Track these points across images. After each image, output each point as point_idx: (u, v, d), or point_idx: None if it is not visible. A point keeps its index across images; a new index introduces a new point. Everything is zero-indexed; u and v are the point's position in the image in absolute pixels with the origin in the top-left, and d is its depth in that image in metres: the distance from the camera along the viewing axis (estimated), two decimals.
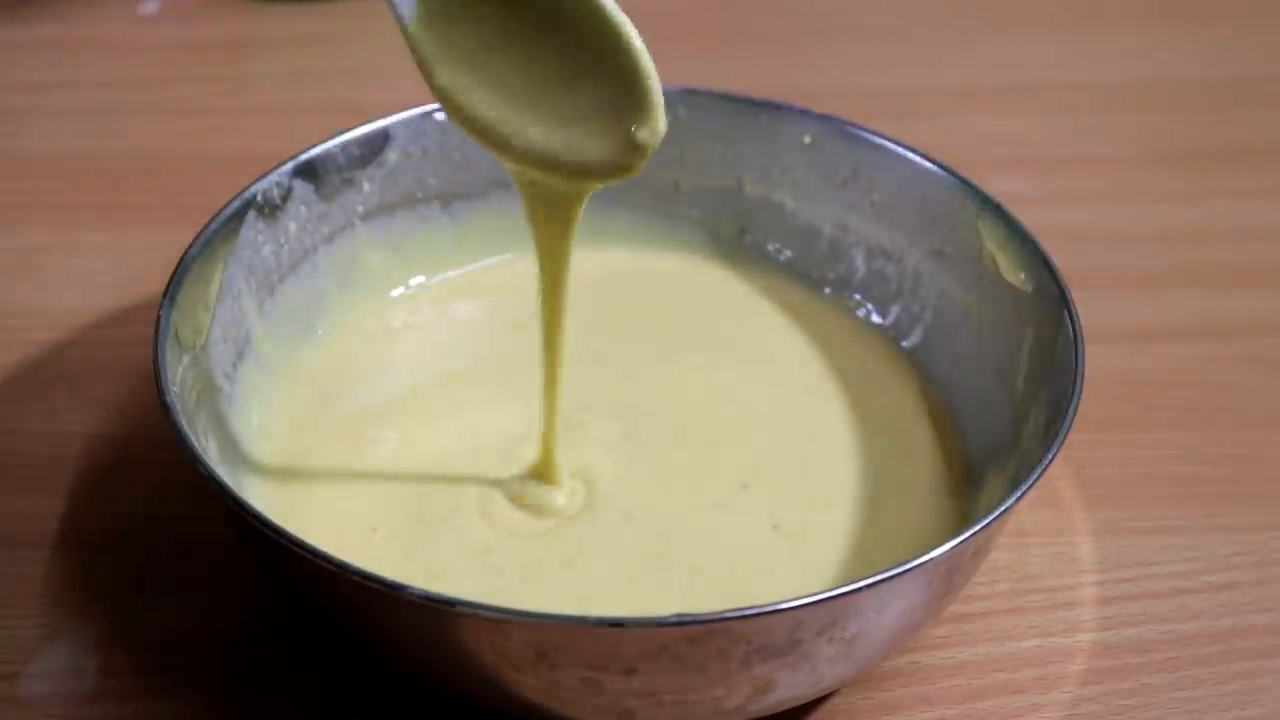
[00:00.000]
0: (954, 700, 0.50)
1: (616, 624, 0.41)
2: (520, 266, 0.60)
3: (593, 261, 0.61)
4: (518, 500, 0.51)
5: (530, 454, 0.52)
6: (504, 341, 0.58)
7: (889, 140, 0.58)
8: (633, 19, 0.43)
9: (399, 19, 0.45)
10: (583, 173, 0.45)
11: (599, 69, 0.44)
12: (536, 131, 0.45)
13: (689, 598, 0.48)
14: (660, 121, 0.44)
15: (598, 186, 0.46)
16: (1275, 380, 0.62)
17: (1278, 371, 0.63)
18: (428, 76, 0.46)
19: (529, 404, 0.53)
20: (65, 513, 0.54)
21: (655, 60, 0.43)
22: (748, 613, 0.41)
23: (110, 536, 0.53)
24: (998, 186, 0.56)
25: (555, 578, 0.49)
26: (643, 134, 0.44)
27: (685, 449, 0.54)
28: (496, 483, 0.52)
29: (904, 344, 0.58)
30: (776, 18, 0.84)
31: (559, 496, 0.51)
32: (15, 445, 0.56)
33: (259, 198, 0.54)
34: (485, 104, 0.45)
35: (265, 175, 0.55)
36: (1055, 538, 0.55)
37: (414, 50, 0.45)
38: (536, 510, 0.51)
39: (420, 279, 0.60)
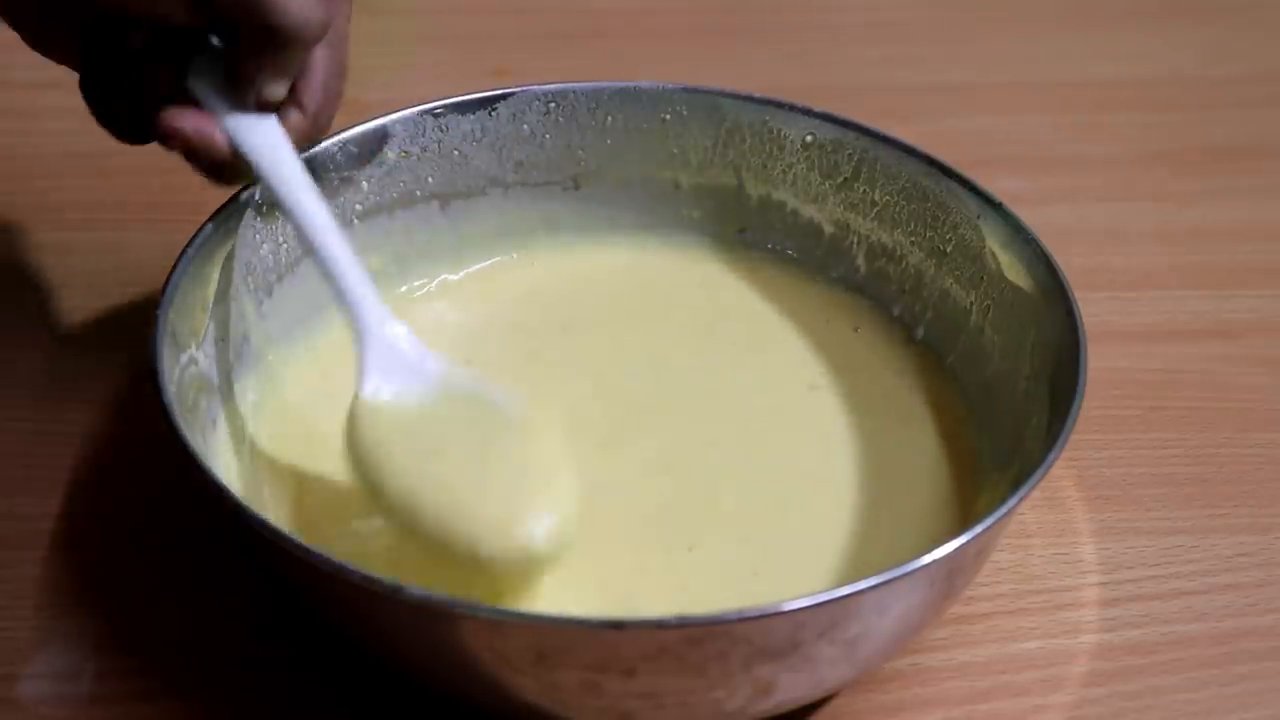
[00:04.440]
0: (956, 702, 0.49)
1: (616, 625, 0.41)
2: (517, 268, 0.60)
3: (594, 260, 0.61)
4: None
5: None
6: (500, 341, 0.58)
7: (889, 139, 0.58)
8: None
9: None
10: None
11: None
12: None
13: (691, 595, 0.48)
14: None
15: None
16: (1276, 380, 0.62)
17: (1278, 371, 0.63)
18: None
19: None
20: (65, 513, 0.53)
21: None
22: (748, 614, 0.41)
23: (110, 536, 0.53)
24: (998, 186, 0.56)
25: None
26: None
27: (687, 444, 0.54)
28: None
29: (906, 343, 0.58)
30: (778, 16, 0.83)
31: None
32: (15, 445, 0.56)
33: (258, 198, 0.54)
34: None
35: None
36: (1057, 538, 0.55)
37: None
38: None
39: (418, 278, 0.60)
